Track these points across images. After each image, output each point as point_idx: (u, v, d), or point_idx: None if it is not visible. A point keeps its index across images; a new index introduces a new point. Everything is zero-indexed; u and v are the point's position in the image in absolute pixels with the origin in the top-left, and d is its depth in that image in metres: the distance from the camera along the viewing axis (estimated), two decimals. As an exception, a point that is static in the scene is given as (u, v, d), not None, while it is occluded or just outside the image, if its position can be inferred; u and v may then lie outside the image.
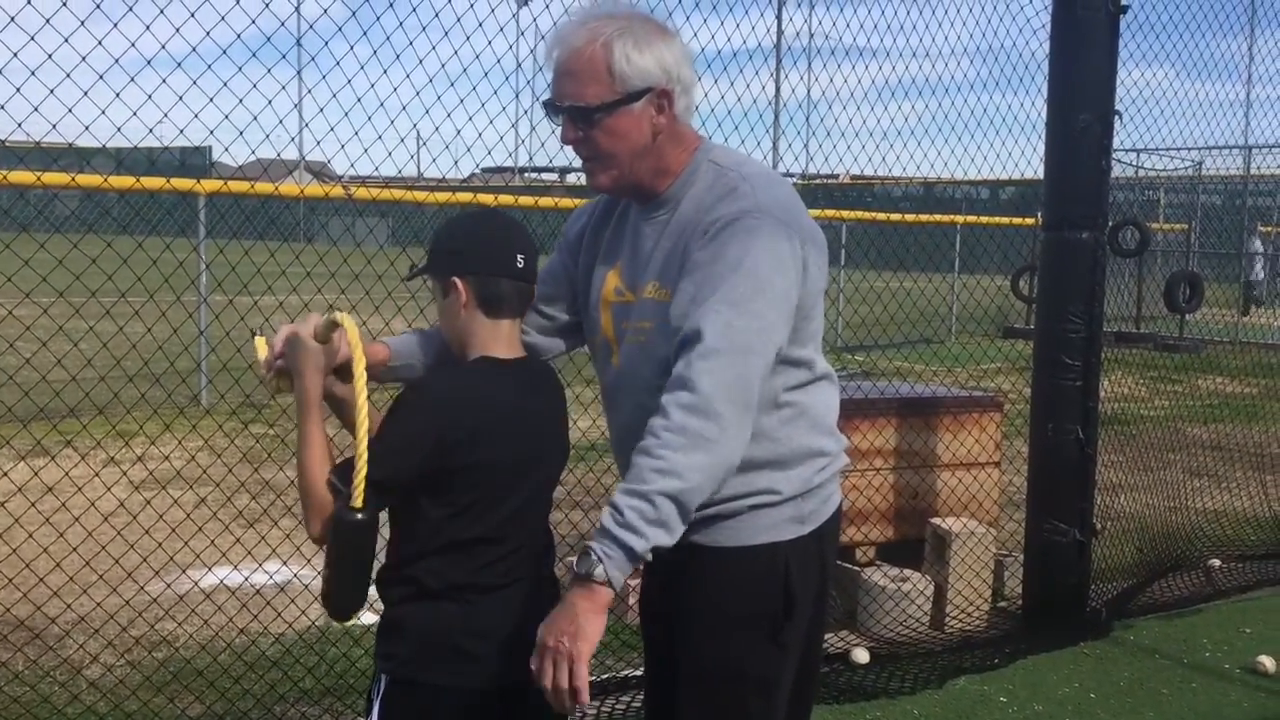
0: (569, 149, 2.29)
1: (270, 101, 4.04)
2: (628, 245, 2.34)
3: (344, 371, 2.28)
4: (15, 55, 3.38)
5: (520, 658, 2.17)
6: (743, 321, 2.05)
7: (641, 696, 3.28)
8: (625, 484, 2.00)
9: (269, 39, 3.99)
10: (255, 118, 4.05)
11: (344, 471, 2.14)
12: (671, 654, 2.34)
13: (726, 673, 2.26)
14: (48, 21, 3.38)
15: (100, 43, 3.46)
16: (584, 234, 2.47)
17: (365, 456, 2.07)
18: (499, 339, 2.27)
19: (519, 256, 2.25)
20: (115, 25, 3.50)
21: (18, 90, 3.44)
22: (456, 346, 2.31)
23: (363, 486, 2.07)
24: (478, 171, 14.22)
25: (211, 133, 4.14)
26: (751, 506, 2.24)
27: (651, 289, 2.25)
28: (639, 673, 4.07)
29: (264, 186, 7.46)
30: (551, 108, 2.26)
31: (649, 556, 1.99)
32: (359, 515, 2.09)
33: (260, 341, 2.33)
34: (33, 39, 3.36)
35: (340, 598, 2.17)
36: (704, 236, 2.15)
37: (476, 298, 2.23)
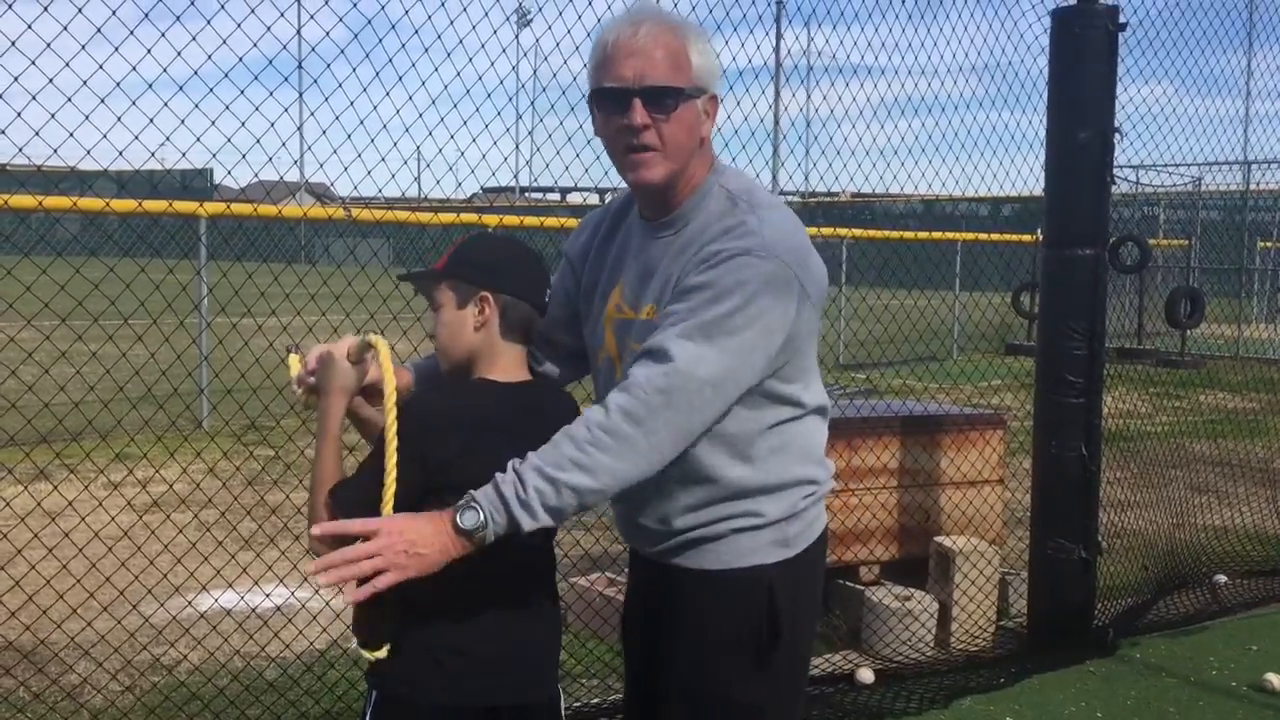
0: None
1: (273, 124, 4.04)
2: (634, 262, 2.31)
3: (371, 393, 2.31)
4: (16, 79, 3.39)
5: (508, 678, 2.16)
6: (711, 353, 2.04)
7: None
8: (539, 461, 1.98)
9: (271, 61, 4.00)
10: (258, 140, 4.05)
11: (343, 490, 2.15)
12: (652, 678, 2.33)
13: (711, 698, 2.23)
14: (48, 46, 3.39)
15: (101, 66, 3.46)
16: (589, 250, 2.44)
17: (394, 474, 2.08)
18: (507, 360, 2.27)
19: (546, 290, 2.31)
20: (116, 49, 3.50)
21: (18, 115, 3.44)
22: (455, 361, 2.28)
23: (391, 505, 2.08)
24: (480, 192, 14.25)
25: (214, 156, 4.16)
26: (734, 530, 2.22)
27: (648, 311, 2.22)
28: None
29: (267, 209, 7.48)
30: (614, 93, 2.15)
31: (521, 533, 1.99)
32: None
33: (294, 359, 2.36)
34: (33, 63, 3.37)
35: (361, 623, 2.20)
36: (702, 265, 2.11)
37: (502, 317, 2.24)
